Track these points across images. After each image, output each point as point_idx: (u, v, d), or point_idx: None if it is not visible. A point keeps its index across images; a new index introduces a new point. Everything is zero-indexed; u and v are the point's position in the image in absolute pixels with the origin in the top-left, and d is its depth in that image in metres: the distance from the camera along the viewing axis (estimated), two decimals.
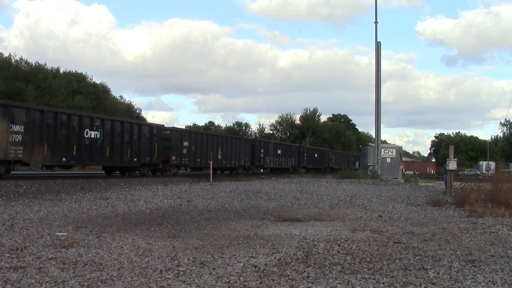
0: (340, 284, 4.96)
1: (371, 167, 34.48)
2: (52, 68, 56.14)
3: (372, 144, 37.95)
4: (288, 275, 5.30)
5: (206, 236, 7.85)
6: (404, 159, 44.54)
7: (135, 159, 24.99)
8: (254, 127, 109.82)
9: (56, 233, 7.78)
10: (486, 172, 63.46)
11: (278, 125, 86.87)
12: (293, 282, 5.00)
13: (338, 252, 6.62)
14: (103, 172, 27.03)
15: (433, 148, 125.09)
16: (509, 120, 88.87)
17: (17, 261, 5.70)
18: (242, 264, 5.78)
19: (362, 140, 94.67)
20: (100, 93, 56.29)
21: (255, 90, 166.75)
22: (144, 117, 72.27)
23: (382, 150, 34.71)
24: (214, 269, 5.50)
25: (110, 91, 61.76)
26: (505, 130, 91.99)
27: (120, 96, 69.80)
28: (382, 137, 45.24)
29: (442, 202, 14.69)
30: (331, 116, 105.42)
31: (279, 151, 44.65)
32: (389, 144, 49.42)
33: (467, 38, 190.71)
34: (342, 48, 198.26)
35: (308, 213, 11.75)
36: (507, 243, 7.66)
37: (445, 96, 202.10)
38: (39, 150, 19.01)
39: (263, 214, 11.41)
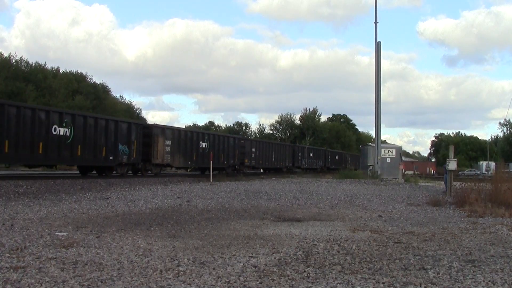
0: (340, 284, 4.96)
1: (371, 167, 34.48)
2: (52, 68, 56.17)
3: (372, 144, 37.96)
4: (288, 275, 5.30)
5: (206, 236, 7.85)
6: (404, 159, 44.62)
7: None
8: (254, 127, 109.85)
9: (56, 233, 7.78)
10: (486, 172, 63.44)
11: (278, 125, 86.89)
12: (293, 282, 5.00)
13: (338, 252, 6.62)
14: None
15: (433, 148, 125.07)
16: (509, 120, 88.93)
17: (17, 261, 5.70)
18: (242, 264, 5.78)
19: (362, 140, 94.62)
20: (100, 93, 56.24)
21: (256, 90, 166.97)
22: (145, 117, 72.42)
23: (382, 150, 34.72)
24: (214, 269, 5.50)
25: (110, 91, 61.75)
26: (505, 130, 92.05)
27: (120, 96, 69.81)
28: (382, 137, 45.30)
29: (442, 202, 14.68)
30: (331, 116, 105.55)
31: (311, 154, 53.19)
32: (389, 144, 49.42)
33: (468, 38, 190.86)
34: (342, 48, 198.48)
35: (308, 213, 11.75)
36: (507, 243, 7.66)
37: (446, 96, 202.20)
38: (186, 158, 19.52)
39: (263, 214, 11.40)
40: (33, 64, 52.67)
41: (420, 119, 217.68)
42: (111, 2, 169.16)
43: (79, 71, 58.23)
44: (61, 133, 20.50)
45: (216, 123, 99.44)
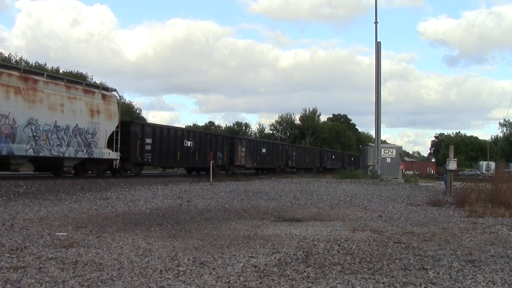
0: (340, 284, 4.96)
1: (371, 167, 34.48)
2: (52, 68, 56.13)
3: (372, 144, 37.95)
4: (288, 275, 5.29)
5: (206, 236, 7.85)
6: (406, 159, 44.69)
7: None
8: (254, 127, 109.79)
9: (56, 233, 7.78)
10: (486, 172, 63.44)
11: (278, 125, 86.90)
12: (293, 282, 5.00)
13: (338, 252, 6.62)
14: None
15: (433, 148, 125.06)
16: (509, 120, 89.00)
17: (17, 261, 5.70)
18: (242, 264, 5.78)
19: (362, 140, 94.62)
20: None
21: (256, 90, 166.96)
22: (145, 117, 72.34)
23: (382, 150, 34.71)
24: (214, 269, 5.50)
25: None
26: (504, 130, 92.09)
27: (120, 96, 69.62)
28: (383, 137, 45.38)
29: (442, 202, 14.68)
30: (331, 116, 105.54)
31: (333, 156, 59.87)
32: (389, 144, 49.41)
33: (468, 38, 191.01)
34: (343, 48, 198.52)
35: (308, 213, 11.75)
36: (507, 243, 7.65)
37: (446, 96, 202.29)
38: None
39: (263, 214, 11.40)
40: (33, 64, 52.69)
41: (420, 119, 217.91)
42: (112, 2, 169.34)
43: (79, 71, 58.34)
44: (188, 145, 29.41)
45: (216, 123, 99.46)
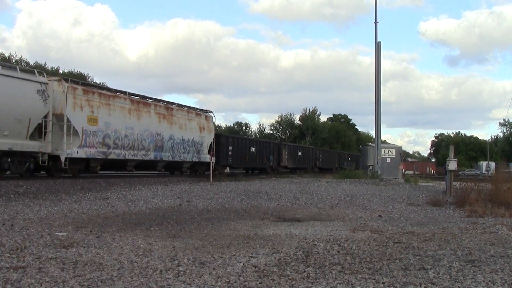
0: (340, 284, 4.96)
1: (371, 167, 34.47)
2: (52, 68, 56.13)
3: (372, 144, 37.94)
4: (288, 275, 5.29)
5: (206, 236, 7.85)
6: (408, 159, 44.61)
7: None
8: (254, 127, 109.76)
9: (56, 233, 7.78)
10: (486, 172, 63.47)
11: (278, 125, 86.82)
12: (293, 282, 5.00)
13: (338, 252, 6.62)
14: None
15: (433, 148, 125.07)
16: (509, 120, 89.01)
17: (17, 261, 5.70)
18: (242, 264, 5.78)
19: (362, 140, 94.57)
20: None
21: (257, 90, 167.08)
22: None
23: (382, 150, 34.69)
24: (214, 269, 5.50)
25: None
26: (505, 130, 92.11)
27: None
28: (383, 137, 45.32)
29: (442, 202, 14.68)
30: (331, 116, 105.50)
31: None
32: (389, 144, 49.39)
33: (469, 38, 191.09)
34: (344, 48, 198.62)
35: (308, 213, 11.75)
36: (507, 243, 7.65)
37: (447, 96, 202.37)
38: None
39: (263, 214, 11.40)
40: (33, 64, 52.67)
41: (420, 119, 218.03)
42: (113, 2, 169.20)
43: (79, 71, 58.34)
44: (253, 150, 36.75)
45: (216, 123, 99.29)
